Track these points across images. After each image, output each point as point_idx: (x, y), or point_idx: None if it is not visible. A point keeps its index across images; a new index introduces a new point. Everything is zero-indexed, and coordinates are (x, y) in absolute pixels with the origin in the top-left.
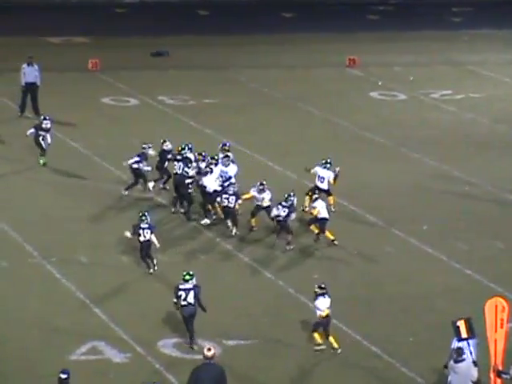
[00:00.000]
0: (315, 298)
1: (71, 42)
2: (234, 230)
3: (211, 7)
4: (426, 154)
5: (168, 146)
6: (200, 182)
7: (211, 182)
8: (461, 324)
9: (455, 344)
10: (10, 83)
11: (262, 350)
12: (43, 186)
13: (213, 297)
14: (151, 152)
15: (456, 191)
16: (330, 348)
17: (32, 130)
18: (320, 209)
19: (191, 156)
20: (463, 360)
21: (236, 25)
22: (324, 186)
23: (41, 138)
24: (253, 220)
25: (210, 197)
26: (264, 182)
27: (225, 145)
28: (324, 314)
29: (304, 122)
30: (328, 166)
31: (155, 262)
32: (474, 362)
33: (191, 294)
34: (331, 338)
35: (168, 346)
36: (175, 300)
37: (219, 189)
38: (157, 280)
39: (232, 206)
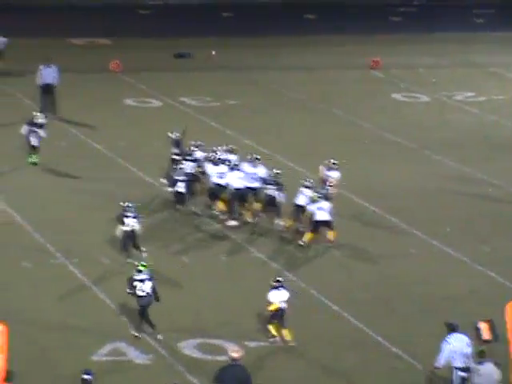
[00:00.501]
0: (269, 290)
1: (94, 43)
2: (277, 221)
3: (234, 9)
4: (448, 155)
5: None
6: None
7: (235, 180)
8: (483, 326)
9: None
10: (32, 84)
11: (285, 351)
12: (65, 187)
13: (235, 298)
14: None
15: (478, 193)
16: (283, 341)
17: (25, 127)
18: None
19: (201, 155)
20: (486, 362)
21: (259, 26)
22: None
23: (32, 135)
24: (293, 223)
25: (235, 196)
26: (312, 180)
27: (230, 148)
28: (272, 307)
29: (326, 124)
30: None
31: (143, 249)
32: (497, 364)
33: (147, 284)
34: (285, 331)
35: (190, 347)
36: (129, 291)
37: (242, 186)
38: (179, 282)
39: (275, 196)
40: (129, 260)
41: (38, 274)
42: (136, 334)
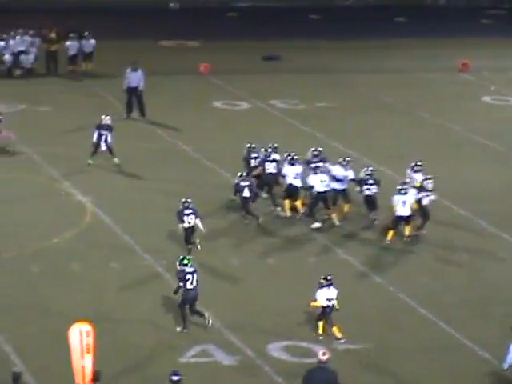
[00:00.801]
0: (318, 288)
1: (183, 45)
2: (374, 215)
3: (323, 11)
4: None
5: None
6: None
7: (317, 182)
8: None
9: None
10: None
11: (373, 354)
12: (152, 189)
13: None
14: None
15: None
16: (335, 338)
17: (95, 132)
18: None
19: (278, 157)
20: None
21: (348, 29)
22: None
23: (103, 139)
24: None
25: (318, 199)
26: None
27: (317, 151)
28: (315, 304)
29: (415, 126)
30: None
31: (199, 247)
32: None
33: (195, 277)
34: (334, 328)
35: (277, 349)
36: (181, 284)
37: (325, 190)
38: (267, 283)
39: (374, 194)
40: (199, 245)
41: (127, 275)
42: (179, 329)
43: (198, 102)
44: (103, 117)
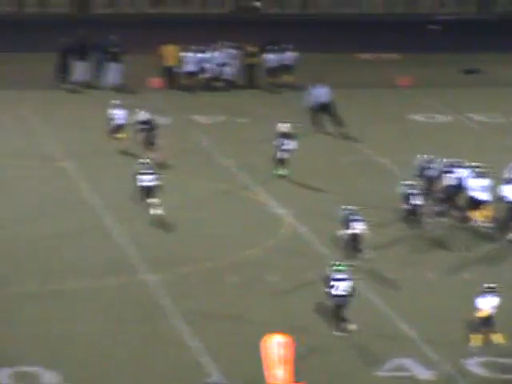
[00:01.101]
0: (479, 296)
1: (382, 58)
2: None
3: None
4: None
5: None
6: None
7: (509, 192)
8: None
9: None
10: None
11: None
12: (347, 201)
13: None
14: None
15: None
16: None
17: (276, 141)
18: None
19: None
20: None
21: None
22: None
23: (280, 148)
24: None
25: (509, 209)
26: None
27: None
28: (481, 314)
29: None
30: None
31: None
32: None
33: (345, 283)
34: (497, 336)
35: (476, 364)
36: (326, 290)
37: None
38: (460, 298)
39: None
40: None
41: (320, 286)
42: (338, 334)
43: (396, 115)
44: (280, 124)
